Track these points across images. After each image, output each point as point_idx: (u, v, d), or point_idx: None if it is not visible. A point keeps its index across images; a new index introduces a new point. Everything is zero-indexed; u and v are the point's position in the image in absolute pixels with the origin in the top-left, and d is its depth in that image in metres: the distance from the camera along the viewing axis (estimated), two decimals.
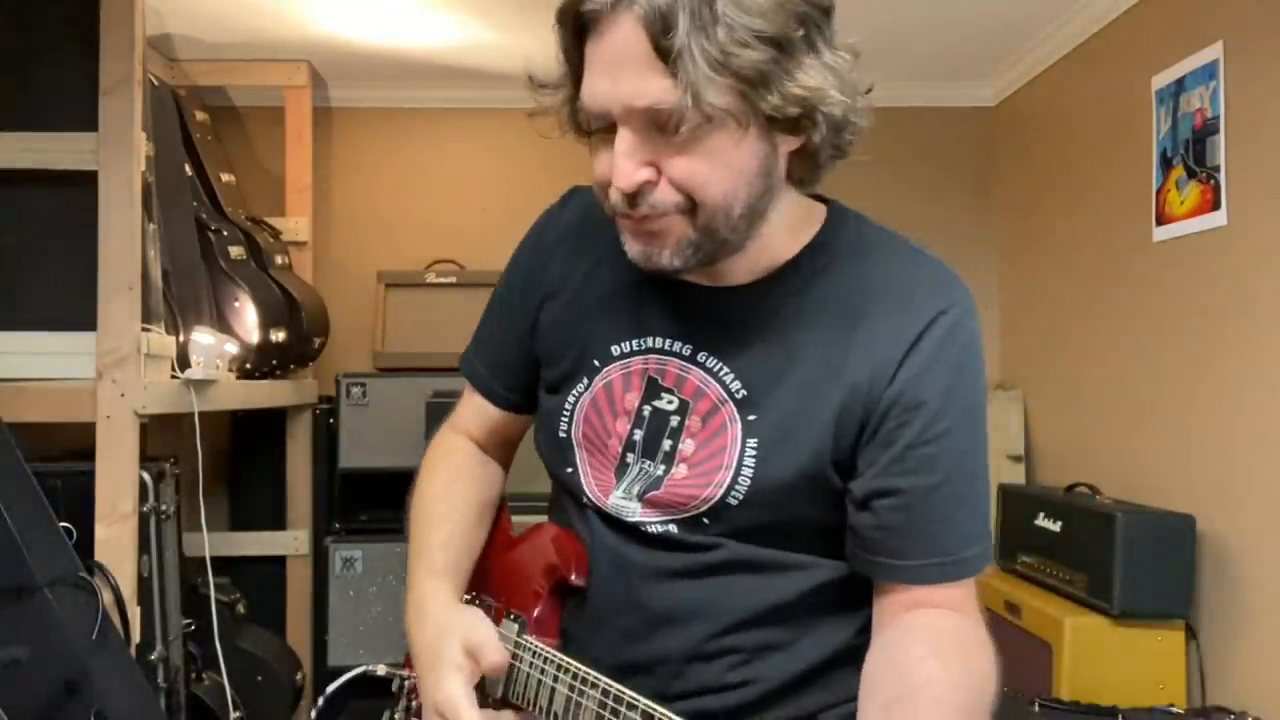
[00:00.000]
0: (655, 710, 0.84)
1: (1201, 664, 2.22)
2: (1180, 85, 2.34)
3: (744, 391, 0.95)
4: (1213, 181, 2.22)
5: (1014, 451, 3.12)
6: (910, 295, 0.94)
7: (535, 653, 0.98)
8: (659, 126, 0.84)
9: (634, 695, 0.86)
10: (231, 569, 2.78)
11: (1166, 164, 2.40)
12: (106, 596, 1.74)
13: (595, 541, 1.03)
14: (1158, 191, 2.44)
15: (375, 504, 2.89)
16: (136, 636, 1.89)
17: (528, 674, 0.98)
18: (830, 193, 1.02)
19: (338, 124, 3.45)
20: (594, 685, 0.90)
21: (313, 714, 1.25)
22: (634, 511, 0.99)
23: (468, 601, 1.09)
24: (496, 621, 1.04)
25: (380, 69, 3.21)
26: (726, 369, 0.96)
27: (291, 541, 3.04)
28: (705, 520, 0.96)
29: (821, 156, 0.91)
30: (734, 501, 0.94)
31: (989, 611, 2.64)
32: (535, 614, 1.04)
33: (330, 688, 1.19)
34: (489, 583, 1.13)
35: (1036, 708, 1.97)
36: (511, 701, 1.00)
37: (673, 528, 0.98)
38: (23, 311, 1.93)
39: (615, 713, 0.86)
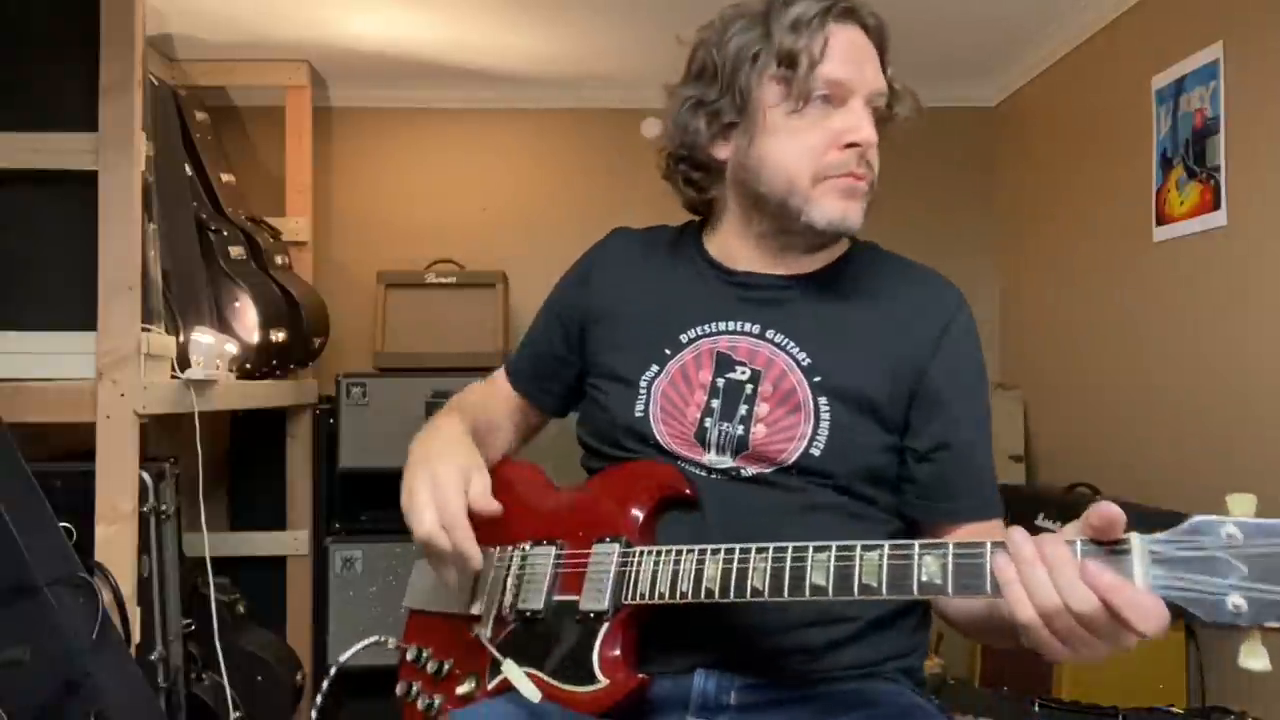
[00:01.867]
0: (852, 545, 0.89)
1: (1201, 664, 2.22)
2: (1180, 85, 2.34)
3: (809, 360, 1.12)
4: (1213, 181, 2.22)
5: (1014, 451, 3.12)
6: (936, 289, 1.18)
7: (657, 554, 1.01)
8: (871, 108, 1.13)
9: (819, 543, 0.91)
10: (231, 569, 2.77)
11: (1166, 164, 2.40)
12: (106, 596, 1.74)
13: (696, 481, 1.12)
14: (1158, 191, 2.44)
15: (375, 504, 2.89)
16: (136, 636, 1.89)
17: (655, 572, 1.00)
18: None
19: (338, 124, 3.45)
20: (760, 551, 0.94)
21: (317, 702, 1.26)
22: (727, 462, 1.11)
23: (525, 549, 1.13)
24: (578, 556, 1.07)
25: (380, 69, 3.21)
26: (792, 342, 1.14)
27: (291, 541, 3.04)
28: (793, 472, 1.10)
29: None
30: (816, 452, 1.09)
31: None
32: (640, 528, 1.07)
33: (344, 656, 1.21)
34: (555, 526, 1.13)
35: (1036, 708, 1.97)
36: (626, 603, 1.02)
37: (765, 472, 1.10)
38: (23, 311, 1.93)
39: (800, 560, 0.91)
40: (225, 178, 2.91)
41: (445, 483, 1.06)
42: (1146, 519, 2.60)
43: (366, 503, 2.90)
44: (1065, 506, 2.46)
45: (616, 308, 1.24)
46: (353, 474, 2.88)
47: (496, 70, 3.19)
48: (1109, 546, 0.79)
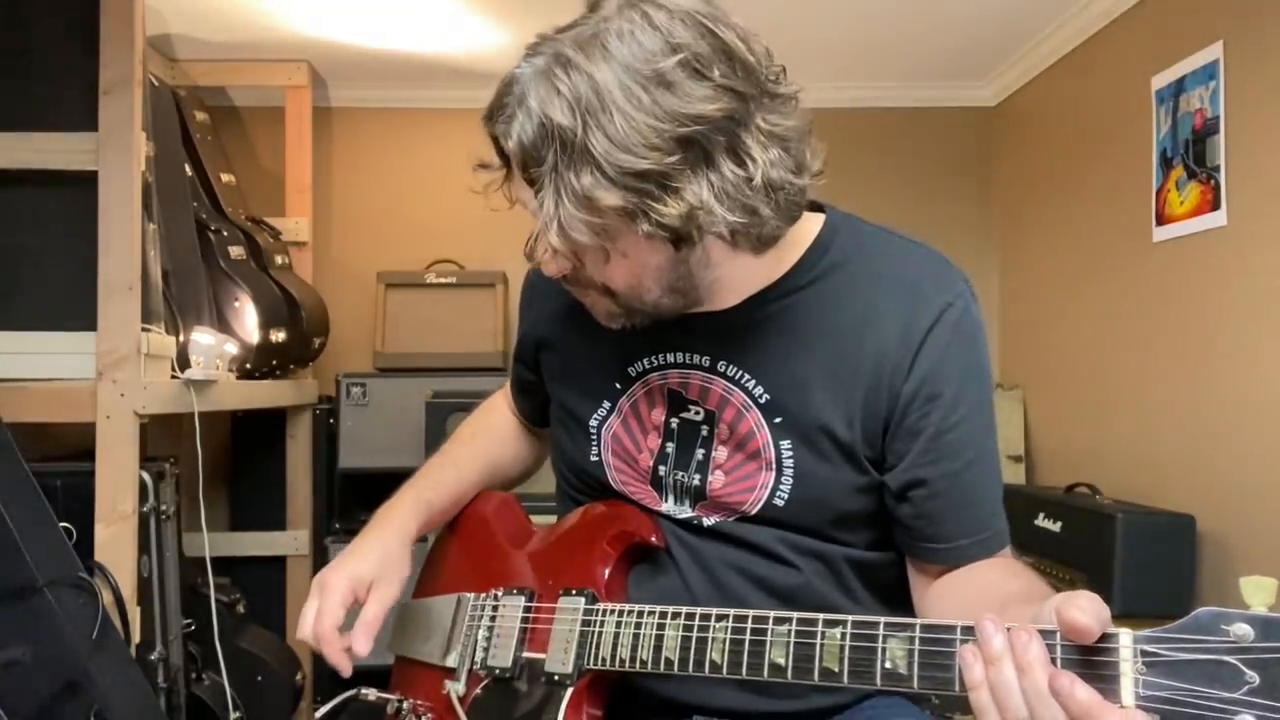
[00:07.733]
0: (814, 619, 0.84)
1: None
2: (1180, 85, 2.34)
3: (767, 396, 0.99)
4: (1213, 181, 2.22)
5: (1014, 451, 3.12)
6: (916, 289, 0.98)
7: (619, 614, 0.98)
8: None
9: (779, 613, 0.86)
10: (231, 569, 2.77)
11: (1166, 164, 2.40)
12: (106, 596, 1.74)
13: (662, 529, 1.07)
14: (1158, 191, 2.44)
15: (375, 504, 2.82)
16: (136, 636, 1.89)
17: (616, 635, 0.97)
18: (831, 191, 1.02)
19: (338, 124, 3.45)
20: (720, 618, 0.90)
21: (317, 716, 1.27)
22: (686, 511, 1.05)
23: (497, 596, 1.11)
24: (546, 610, 1.05)
25: (380, 69, 3.21)
26: (747, 375, 1.00)
27: (291, 541, 3.03)
28: (755, 522, 1.02)
29: (748, 236, 0.91)
30: (780, 502, 1.00)
31: None
32: (606, 581, 1.04)
33: (321, 712, 1.22)
34: (526, 572, 1.12)
35: None
36: (588, 668, 0.99)
37: (725, 522, 1.03)
38: (23, 311, 1.93)
39: (759, 633, 0.87)
40: (225, 178, 2.92)
41: (330, 593, 1.11)
42: (1147, 519, 2.60)
43: (366, 503, 2.87)
44: (1065, 506, 2.46)
45: (561, 332, 1.14)
46: (353, 474, 2.89)
47: (496, 70, 3.18)
48: (1093, 645, 0.68)
